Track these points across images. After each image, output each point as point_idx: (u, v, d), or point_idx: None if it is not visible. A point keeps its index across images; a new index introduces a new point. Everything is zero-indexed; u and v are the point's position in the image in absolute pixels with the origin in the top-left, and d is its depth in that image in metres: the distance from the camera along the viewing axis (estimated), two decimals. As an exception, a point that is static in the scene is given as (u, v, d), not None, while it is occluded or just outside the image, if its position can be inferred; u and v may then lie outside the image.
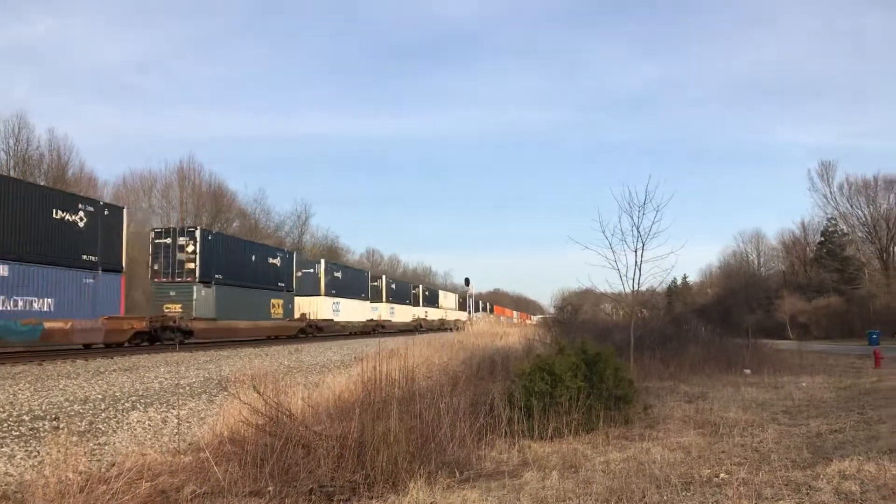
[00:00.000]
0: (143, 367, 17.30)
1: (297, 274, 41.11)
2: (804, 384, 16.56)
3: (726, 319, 51.29)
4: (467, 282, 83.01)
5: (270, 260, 36.97)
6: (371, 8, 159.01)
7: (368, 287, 52.96)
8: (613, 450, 8.55)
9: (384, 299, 56.82)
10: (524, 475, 7.17)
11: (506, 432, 9.21)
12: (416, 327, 60.86)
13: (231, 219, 64.42)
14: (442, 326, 68.70)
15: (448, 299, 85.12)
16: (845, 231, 73.17)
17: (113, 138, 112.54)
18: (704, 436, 9.42)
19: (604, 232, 15.74)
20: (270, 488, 6.44)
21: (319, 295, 43.46)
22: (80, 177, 53.14)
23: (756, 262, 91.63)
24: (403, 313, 62.28)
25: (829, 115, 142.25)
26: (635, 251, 15.66)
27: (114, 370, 16.35)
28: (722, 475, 7.05)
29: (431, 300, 75.37)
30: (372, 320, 51.32)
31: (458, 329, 63.78)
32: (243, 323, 32.40)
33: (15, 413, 10.44)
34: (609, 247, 15.70)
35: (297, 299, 40.66)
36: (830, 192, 72.75)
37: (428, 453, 7.52)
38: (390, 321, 55.80)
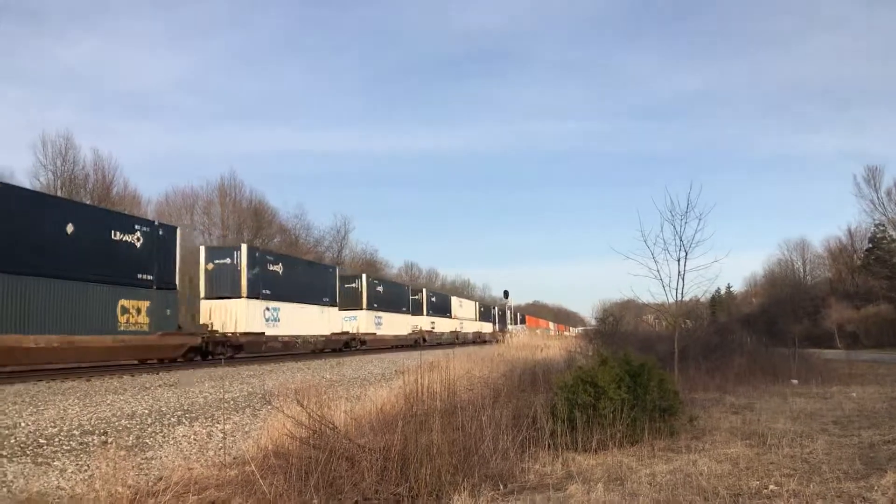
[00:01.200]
0: (187, 381, 17.55)
1: (205, 266, 30.19)
2: (854, 394, 16.18)
3: (772, 329, 50.36)
4: (506, 294, 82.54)
5: (119, 236, 22.64)
6: (408, 23, 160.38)
7: (336, 289, 40.50)
8: (659, 462, 8.43)
9: (365, 306, 44.89)
10: (569, 488, 7.10)
11: (549, 445, 9.13)
12: (418, 341, 52.27)
13: (272, 234, 65.32)
14: (456, 340, 60.82)
15: (464, 308, 73.25)
16: (894, 237, 71.47)
17: (155, 156, 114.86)
18: (752, 447, 9.24)
19: (646, 241, 15.65)
20: (316, 501, 6.47)
21: (240, 297, 30.08)
22: (124, 195, 54.39)
23: (802, 271, 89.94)
24: (397, 324, 50.48)
25: (875, 119, 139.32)
26: (678, 260, 15.56)
27: (159, 385, 16.61)
28: (771, 487, 6.91)
29: (440, 308, 63.48)
30: (345, 333, 41.17)
31: (483, 342, 62.41)
32: (35, 339, 18.86)
33: (65, 428, 10.64)
34: (651, 256, 15.60)
35: (208, 304, 29.70)
36: (878, 198, 71.07)
37: (471, 466, 7.50)
38: (375, 334, 45.61)
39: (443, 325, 61.97)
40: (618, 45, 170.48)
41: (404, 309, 52.58)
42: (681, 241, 15.50)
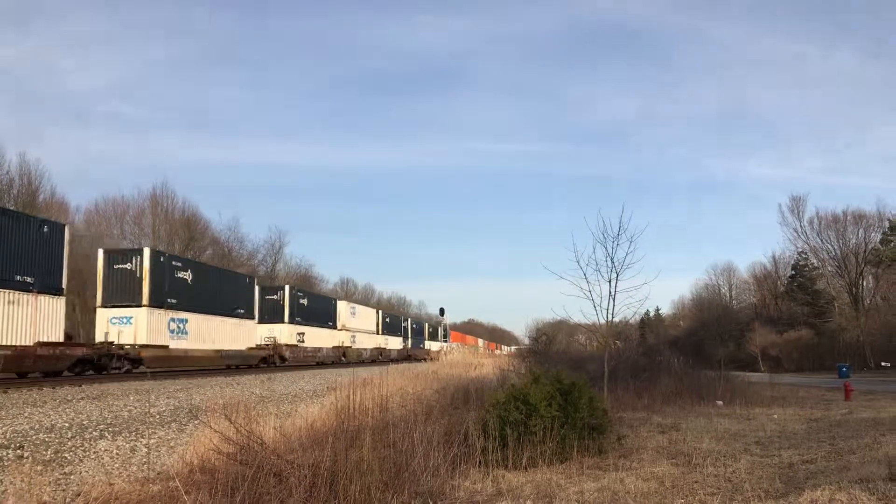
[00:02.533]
0: (112, 395, 17.01)
1: None
2: (776, 416, 16.66)
3: (699, 351, 51.69)
4: (442, 311, 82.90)
5: None
6: (351, 38, 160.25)
7: (64, 268, 23.28)
8: (587, 479, 8.52)
9: (147, 301, 27.29)
10: (498, 505, 7.12)
11: (480, 462, 9.14)
12: (269, 359, 38.62)
13: (204, 246, 64.00)
14: (342, 359, 49.06)
15: (359, 317, 57.28)
16: (815, 265, 74.19)
17: (86, 164, 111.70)
18: (678, 466, 9.43)
19: (578, 262, 15.86)
20: (241, 518, 6.34)
21: None
22: (50, 202, 52.66)
23: (728, 295, 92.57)
24: (224, 334, 33.54)
25: (800, 150, 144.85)
26: (609, 281, 15.82)
27: (81, 398, 16.06)
28: (695, 505, 7.05)
29: (316, 315, 46.50)
30: (101, 344, 25.65)
31: (388, 361, 53.71)
32: None
33: (-22, 441, 10.20)
34: (584, 277, 15.81)
35: None
36: (801, 227, 73.78)
37: (402, 483, 7.45)
38: (167, 347, 28.50)
39: (319, 339, 46.38)
40: (558, 70, 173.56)
41: (242, 311, 35.89)
42: (612, 262, 15.78)
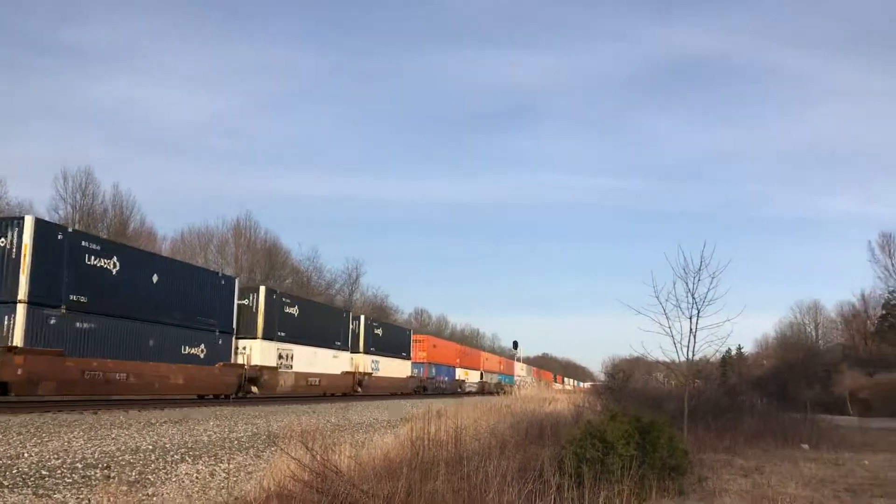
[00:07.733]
0: (193, 419, 17.46)
1: None
2: (867, 462, 15.88)
3: (783, 392, 49.63)
4: (515, 345, 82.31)
5: None
6: (429, 74, 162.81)
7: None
8: (666, 522, 8.29)
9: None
10: (574, 544, 6.99)
11: (555, 499, 8.99)
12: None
13: (284, 276, 65.42)
14: None
15: None
16: (909, 304, 70.76)
17: (175, 195, 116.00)
18: (762, 511, 9.09)
19: (658, 297, 15.58)
20: (316, 546, 6.39)
21: None
22: (140, 231, 54.79)
23: (814, 335, 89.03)
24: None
25: (889, 186, 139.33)
26: (690, 318, 15.46)
27: (164, 422, 16.53)
28: (781, 553, 6.78)
29: None
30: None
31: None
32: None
33: (69, 460, 10.60)
34: (663, 313, 15.52)
35: None
36: (892, 265, 70.63)
37: (475, 517, 7.40)
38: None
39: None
40: (636, 104, 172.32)
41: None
42: (693, 298, 15.45)
